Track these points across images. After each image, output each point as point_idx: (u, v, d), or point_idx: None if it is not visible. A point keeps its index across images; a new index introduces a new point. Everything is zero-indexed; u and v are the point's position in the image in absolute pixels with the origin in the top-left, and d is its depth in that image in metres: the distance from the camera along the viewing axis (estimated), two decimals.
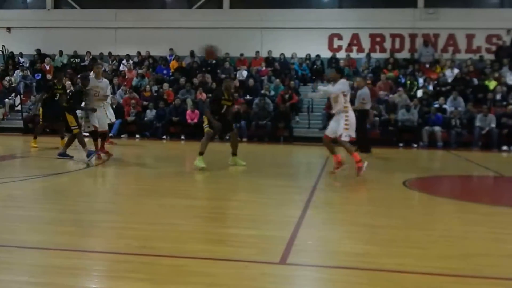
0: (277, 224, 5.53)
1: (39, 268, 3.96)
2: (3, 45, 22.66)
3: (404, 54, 20.70)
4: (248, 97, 18.26)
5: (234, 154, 10.14)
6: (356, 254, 4.34)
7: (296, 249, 4.42)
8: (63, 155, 10.51)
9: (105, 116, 11.49)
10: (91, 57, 21.70)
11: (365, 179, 8.62)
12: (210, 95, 11.51)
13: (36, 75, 20.93)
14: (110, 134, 16.63)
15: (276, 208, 6.35)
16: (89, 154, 10.10)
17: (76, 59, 21.89)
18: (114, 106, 15.44)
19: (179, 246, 4.54)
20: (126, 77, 20.09)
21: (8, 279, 3.68)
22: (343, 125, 8.67)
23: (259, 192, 7.60)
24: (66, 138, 11.38)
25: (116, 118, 17.04)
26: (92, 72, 11.40)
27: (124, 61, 21.27)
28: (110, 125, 13.40)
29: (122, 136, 17.04)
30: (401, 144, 16.07)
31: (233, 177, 9.33)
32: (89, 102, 10.67)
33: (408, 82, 18.48)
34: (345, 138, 8.70)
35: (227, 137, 11.87)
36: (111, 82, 19.26)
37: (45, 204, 6.49)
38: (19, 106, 19.29)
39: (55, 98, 12.00)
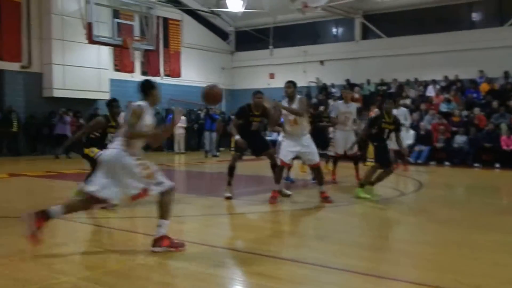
0: None
1: None
2: (317, 77, 24.73)
3: None
4: None
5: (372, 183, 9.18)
6: None
7: None
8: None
9: (352, 141, 11.12)
10: (397, 84, 22.01)
11: None
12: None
13: None
14: (418, 161, 16.62)
15: None
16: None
17: (383, 87, 22.47)
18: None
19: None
20: (433, 102, 19.74)
21: None
22: None
23: None
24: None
25: (424, 145, 16.96)
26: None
27: (430, 86, 20.97)
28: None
29: (430, 163, 16.71)
30: None
31: None
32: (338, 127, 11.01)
33: None
34: None
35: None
36: (417, 108, 19.38)
37: (364, 230, 6.73)
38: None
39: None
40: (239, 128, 8.84)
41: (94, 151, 7.85)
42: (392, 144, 12.05)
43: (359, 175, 10.83)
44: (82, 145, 8.26)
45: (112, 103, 8.28)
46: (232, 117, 23.38)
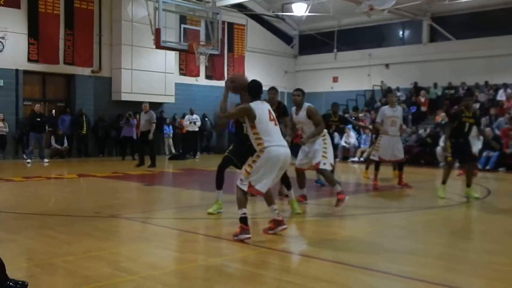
0: None
1: None
2: (382, 81, 24.32)
3: None
4: None
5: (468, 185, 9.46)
6: None
7: None
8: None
9: (401, 146, 10.85)
10: (466, 87, 21.31)
11: None
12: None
13: (411, 107, 21.68)
14: (486, 167, 16.02)
15: None
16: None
17: (450, 90, 21.81)
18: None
19: None
20: (504, 106, 18.98)
21: None
22: None
23: None
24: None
25: (494, 150, 16.31)
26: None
27: (501, 90, 20.16)
28: None
29: (500, 169, 16.06)
30: None
31: None
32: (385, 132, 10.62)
33: None
34: None
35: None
36: (487, 112, 18.67)
37: (428, 237, 6.56)
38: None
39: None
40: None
41: None
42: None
43: (403, 181, 10.87)
44: None
45: (270, 90, 8.03)
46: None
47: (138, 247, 5.74)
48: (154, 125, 15.34)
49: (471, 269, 5.06)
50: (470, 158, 9.62)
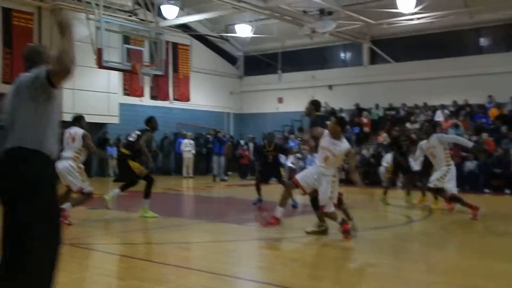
0: None
1: None
2: (325, 102, 24.75)
3: None
4: None
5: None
6: None
7: None
8: None
9: None
10: (406, 108, 22.01)
11: None
12: None
13: (354, 128, 22.15)
14: None
15: None
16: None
17: (391, 111, 22.45)
18: None
19: None
20: (442, 127, 19.68)
21: None
22: None
23: None
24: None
25: None
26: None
27: (439, 111, 20.93)
28: None
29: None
30: None
31: None
32: None
33: None
34: None
35: None
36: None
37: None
38: None
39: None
40: None
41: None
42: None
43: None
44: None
45: (151, 119, 9.71)
46: (242, 141, 23.49)
47: None
48: None
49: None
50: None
